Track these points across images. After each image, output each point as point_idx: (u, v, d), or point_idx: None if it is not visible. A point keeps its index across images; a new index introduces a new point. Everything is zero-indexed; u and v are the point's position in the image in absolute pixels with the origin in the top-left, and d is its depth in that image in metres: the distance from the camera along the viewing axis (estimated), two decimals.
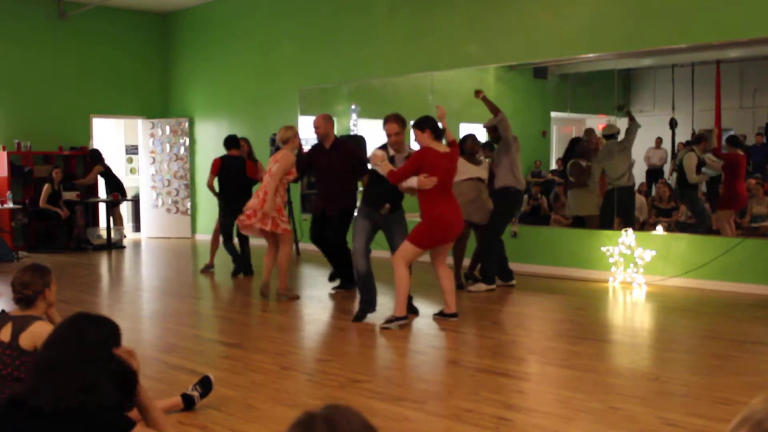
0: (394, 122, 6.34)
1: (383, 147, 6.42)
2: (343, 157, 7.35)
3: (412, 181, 5.98)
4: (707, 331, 6.02)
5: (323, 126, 7.45)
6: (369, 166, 6.57)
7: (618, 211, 8.72)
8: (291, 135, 7.59)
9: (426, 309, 6.69)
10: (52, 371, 2.19)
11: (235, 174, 8.79)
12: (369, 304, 6.46)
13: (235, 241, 9.01)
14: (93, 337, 2.30)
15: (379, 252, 7.61)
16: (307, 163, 7.66)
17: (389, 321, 6.11)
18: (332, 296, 7.64)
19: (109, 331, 2.41)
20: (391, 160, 6.34)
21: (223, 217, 8.88)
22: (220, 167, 8.82)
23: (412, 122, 6.24)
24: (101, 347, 2.30)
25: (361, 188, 7.58)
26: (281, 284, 7.53)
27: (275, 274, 7.67)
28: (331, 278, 8.10)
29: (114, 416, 2.24)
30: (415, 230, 6.08)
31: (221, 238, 9.06)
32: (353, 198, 7.56)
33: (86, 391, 2.17)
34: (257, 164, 9.11)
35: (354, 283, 7.34)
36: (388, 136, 6.35)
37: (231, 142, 9.00)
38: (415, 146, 6.42)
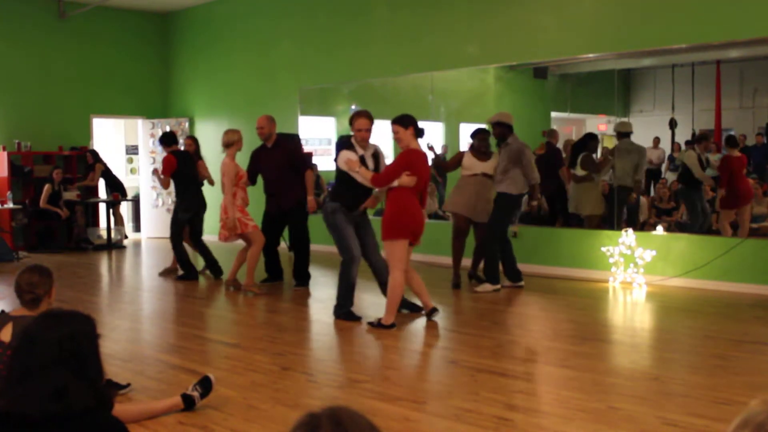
0: (366, 118, 6.40)
1: (349, 146, 6.41)
2: (283, 155, 7.76)
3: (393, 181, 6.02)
4: (707, 331, 6.02)
5: (267, 126, 7.88)
6: (335, 166, 6.57)
7: (618, 209, 8.71)
8: (235, 138, 7.78)
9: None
10: (22, 378, 2.07)
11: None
12: (344, 306, 6.49)
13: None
14: (57, 337, 2.12)
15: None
16: (253, 165, 7.99)
17: (374, 324, 6.11)
18: (307, 297, 7.63)
19: (75, 327, 2.18)
20: (362, 159, 6.34)
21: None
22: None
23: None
24: (67, 347, 2.11)
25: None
26: (248, 279, 7.72)
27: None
28: (264, 281, 8.18)
29: (102, 419, 2.15)
30: (384, 227, 6.04)
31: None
32: (303, 191, 7.86)
33: (60, 396, 2.03)
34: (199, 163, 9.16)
35: (306, 280, 8.00)
36: (359, 131, 6.37)
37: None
38: (374, 141, 6.55)
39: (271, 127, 7.88)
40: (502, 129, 7.62)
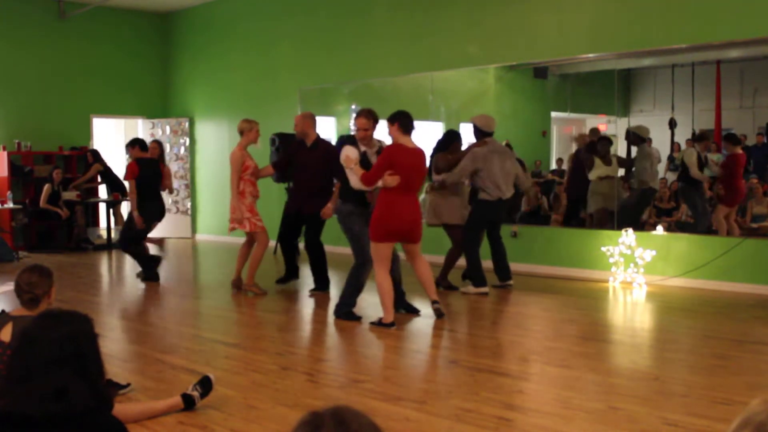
0: (365, 117, 6.39)
1: (353, 142, 6.41)
2: (322, 157, 7.38)
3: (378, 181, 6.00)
4: (707, 331, 6.02)
5: (300, 124, 7.59)
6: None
7: (639, 210, 8.75)
8: (246, 128, 7.59)
9: (425, 309, 6.68)
10: (23, 378, 2.07)
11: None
12: (346, 306, 6.47)
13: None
14: (57, 337, 2.11)
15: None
16: (287, 159, 7.77)
17: (376, 323, 6.11)
18: (313, 299, 7.61)
19: (75, 327, 2.17)
20: (364, 156, 6.33)
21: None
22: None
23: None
24: (68, 347, 2.11)
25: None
26: (249, 280, 7.66)
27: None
28: (280, 281, 8.07)
29: (102, 419, 2.15)
30: (370, 228, 6.07)
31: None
32: (328, 198, 7.45)
33: (60, 396, 2.03)
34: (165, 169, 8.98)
35: (327, 284, 7.74)
36: (358, 130, 6.38)
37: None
38: (380, 138, 6.54)
39: (304, 124, 7.53)
40: (475, 132, 7.56)
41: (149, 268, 8.58)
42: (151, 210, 8.49)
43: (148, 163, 8.53)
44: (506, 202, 7.63)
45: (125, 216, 13.65)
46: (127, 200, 12.93)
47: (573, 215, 9.63)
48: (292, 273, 8.15)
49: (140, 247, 8.71)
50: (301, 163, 7.53)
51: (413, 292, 6.90)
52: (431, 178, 7.72)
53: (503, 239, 7.84)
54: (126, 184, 8.67)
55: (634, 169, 9.01)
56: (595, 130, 9.61)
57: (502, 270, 7.81)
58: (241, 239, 8.17)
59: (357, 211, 6.39)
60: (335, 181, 7.38)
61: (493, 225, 7.71)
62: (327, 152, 7.36)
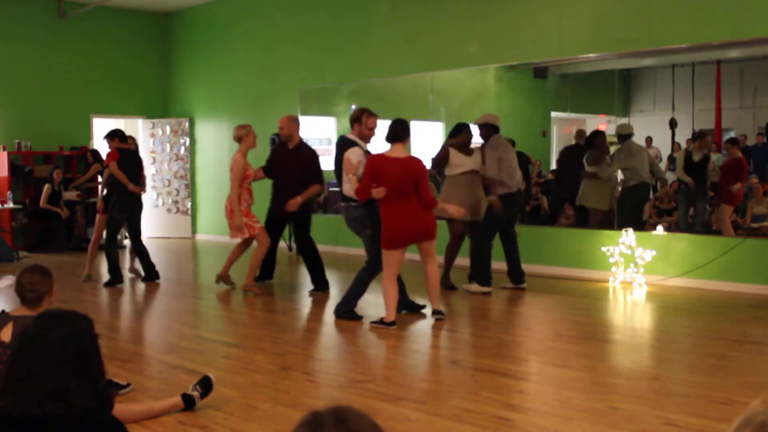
0: (376, 117, 6.39)
1: (352, 144, 6.40)
2: (301, 160, 7.54)
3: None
4: (707, 331, 6.03)
5: (286, 127, 7.67)
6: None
7: (635, 206, 8.75)
8: (243, 133, 7.59)
9: (426, 309, 6.68)
10: (23, 378, 2.06)
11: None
12: (347, 306, 6.47)
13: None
14: (58, 337, 2.10)
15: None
16: (271, 162, 7.85)
17: (378, 322, 6.11)
18: (312, 299, 7.61)
19: (76, 327, 2.17)
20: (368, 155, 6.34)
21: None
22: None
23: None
24: (69, 346, 2.10)
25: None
26: (248, 280, 7.67)
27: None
28: (257, 278, 7.99)
29: (102, 419, 2.14)
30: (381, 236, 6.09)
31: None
32: (310, 199, 7.65)
33: (61, 396, 2.03)
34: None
35: (326, 285, 7.75)
36: (370, 129, 6.36)
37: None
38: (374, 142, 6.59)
39: (290, 127, 7.63)
40: (488, 130, 7.53)
41: (114, 274, 8.50)
42: (132, 201, 8.44)
43: (128, 153, 8.49)
44: (523, 194, 7.69)
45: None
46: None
47: (560, 214, 9.64)
48: (266, 273, 8.17)
49: (116, 250, 8.61)
50: (282, 164, 7.64)
51: (416, 292, 6.89)
52: (436, 182, 7.76)
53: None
54: (110, 178, 8.48)
55: (618, 165, 8.97)
56: (581, 132, 9.58)
57: (516, 273, 7.78)
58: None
59: (375, 211, 6.33)
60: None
61: (509, 222, 7.64)
62: (305, 157, 7.58)
